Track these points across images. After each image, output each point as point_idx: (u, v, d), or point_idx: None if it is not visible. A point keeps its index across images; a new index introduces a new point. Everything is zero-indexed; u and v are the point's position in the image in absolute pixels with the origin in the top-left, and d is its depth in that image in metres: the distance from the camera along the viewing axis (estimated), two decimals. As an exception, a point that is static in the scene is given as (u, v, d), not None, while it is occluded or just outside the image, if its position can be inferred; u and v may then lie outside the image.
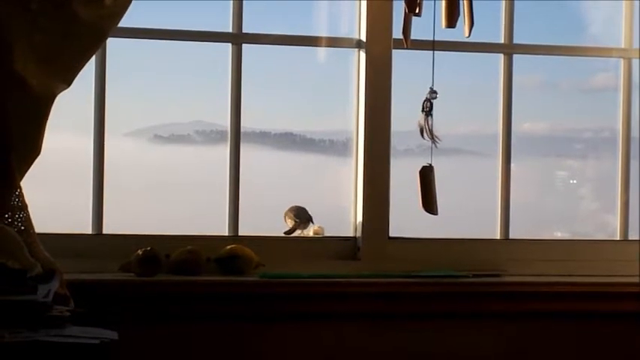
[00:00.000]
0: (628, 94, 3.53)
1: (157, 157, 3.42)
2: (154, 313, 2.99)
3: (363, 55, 3.31)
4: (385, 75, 3.29)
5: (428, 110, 3.06)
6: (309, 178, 3.54)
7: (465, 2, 2.99)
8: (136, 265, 3.04)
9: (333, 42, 3.37)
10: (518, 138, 3.46)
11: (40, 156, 2.76)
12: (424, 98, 3.07)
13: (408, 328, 3.17)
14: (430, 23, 3.08)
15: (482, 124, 3.61)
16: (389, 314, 3.16)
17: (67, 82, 2.80)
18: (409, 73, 3.38)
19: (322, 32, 3.38)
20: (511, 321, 3.22)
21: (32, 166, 2.77)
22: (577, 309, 3.23)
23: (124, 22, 2.88)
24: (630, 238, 3.52)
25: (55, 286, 2.53)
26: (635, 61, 3.53)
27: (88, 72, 2.98)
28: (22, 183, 2.75)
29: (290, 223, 3.34)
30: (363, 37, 3.30)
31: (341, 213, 3.35)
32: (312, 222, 3.36)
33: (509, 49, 3.43)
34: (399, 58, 3.30)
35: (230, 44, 3.26)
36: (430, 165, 3.08)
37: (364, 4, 3.29)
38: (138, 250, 3.04)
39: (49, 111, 2.76)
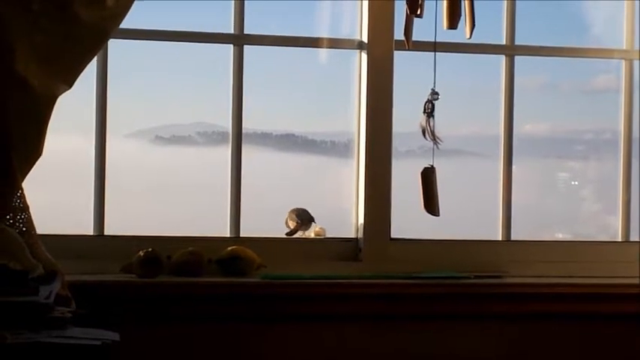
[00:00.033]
0: (629, 95, 3.53)
1: (159, 159, 3.42)
2: (155, 314, 2.99)
3: (364, 56, 3.31)
4: (387, 76, 3.29)
5: (429, 111, 3.06)
6: (310, 179, 3.54)
7: (467, 3, 2.99)
8: (138, 266, 3.04)
9: (335, 43, 3.37)
10: (519, 139, 3.46)
11: (41, 157, 2.76)
12: (426, 99, 3.07)
13: (409, 329, 3.17)
14: (431, 24, 3.08)
15: (484, 126, 3.61)
16: (390, 315, 3.16)
17: (69, 83, 2.80)
18: (411, 74, 3.38)
19: (324, 33, 3.38)
20: (512, 322, 3.22)
21: (33, 167, 2.77)
22: (578, 310, 3.23)
23: (126, 24, 2.88)
24: (631, 240, 3.52)
25: (56, 287, 2.53)
26: (636, 63, 3.53)
27: (89, 73, 2.98)
28: (24, 184, 2.75)
29: (291, 225, 3.34)
30: (365, 39, 3.30)
31: (342, 214, 3.35)
32: (314, 223, 3.36)
33: (510, 51, 3.43)
34: (401, 59, 3.30)
35: (231, 45, 3.26)
36: (432, 166, 3.08)
37: (366, 5, 3.29)
38: (139, 251, 3.04)
39: (51, 112, 2.76)
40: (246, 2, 3.25)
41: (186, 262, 3.10)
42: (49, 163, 2.81)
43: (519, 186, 3.44)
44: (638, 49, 3.53)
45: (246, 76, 3.25)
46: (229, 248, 3.14)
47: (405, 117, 3.34)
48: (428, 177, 3.06)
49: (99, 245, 3.13)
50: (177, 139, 3.51)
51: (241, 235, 3.25)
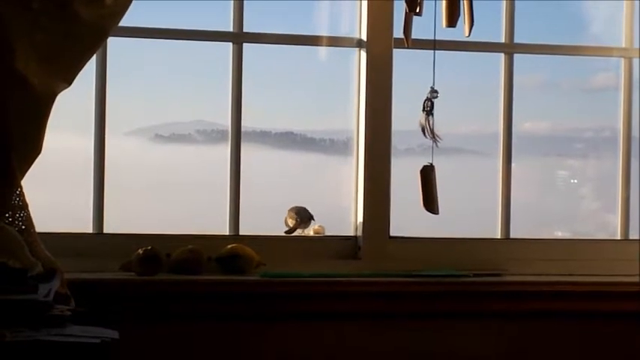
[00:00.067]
0: (629, 93, 3.53)
1: (158, 157, 3.42)
2: (154, 312, 2.99)
3: (363, 54, 3.31)
4: (386, 74, 3.29)
5: (429, 109, 3.06)
6: (309, 177, 3.54)
7: (465, 2, 2.99)
8: (137, 264, 3.04)
9: (334, 41, 3.37)
10: (519, 137, 3.46)
11: (40, 155, 2.76)
12: (425, 97, 3.07)
13: (408, 327, 3.17)
14: (431, 23, 3.08)
15: (483, 124, 3.61)
16: (390, 314, 3.16)
17: (68, 82, 2.80)
18: (410, 72, 3.38)
19: (323, 31, 3.38)
20: (512, 320, 3.22)
21: (33, 166, 2.77)
22: (578, 308, 3.23)
23: (125, 22, 2.88)
24: (631, 238, 3.52)
25: (55, 285, 2.53)
26: (635, 61, 3.53)
27: (88, 71, 2.98)
28: (23, 182, 2.75)
29: (291, 223, 3.34)
30: (364, 37, 3.30)
31: (342, 212, 3.35)
32: (313, 221, 3.37)
33: (509, 49, 3.43)
34: (400, 57, 3.30)
35: (231, 43, 3.26)
36: (431, 164, 3.08)
37: (365, 3, 3.29)
38: (138, 249, 3.04)
39: (50, 110, 2.76)
40: (245, 0, 3.25)
41: (185, 260, 3.10)
42: (48, 161, 2.81)
43: (519, 184, 3.44)
44: (637, 47, 3.53)
45: (245, 75, 3.25)
46: (229, 246, 3.14)
47: (405, 115, 3.34)
48: (427, 175, 3.06)
49: (98, 243, 3.13)
50: (176, 138, 3.51)
51: (240, 233, 3.25)
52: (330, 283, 3.13)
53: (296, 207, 3.35)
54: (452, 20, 2.99)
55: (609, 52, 3.57)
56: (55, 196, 3.16)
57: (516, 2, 3.41)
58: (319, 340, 3.14)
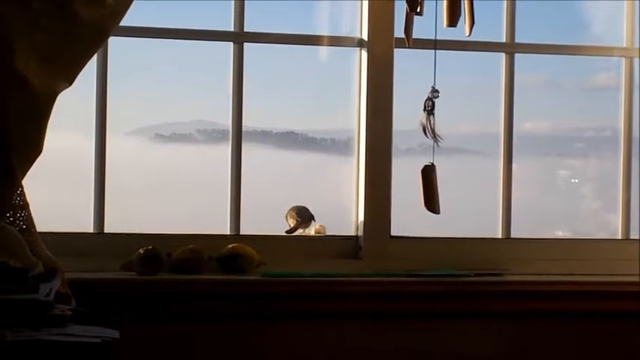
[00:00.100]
0: (629, 93, 3.53)
1: (159, 156, 3.42)
2: (155, 311, 2.99)
3: (364, 54, 3.31)
4: (387, 74, 3.29)
5: (430, 109, 3.06)
6: (310, 177, 3.54)
7: (466, 1, 2.99)
8: (138, 263, 3.04)
9: (335, 41, 3.37)
10: (519, 137, 3.46)
11: (41, 155, 2.76)
12: (426, 97, 3.07)
13: (409, 327, 3.17)
14: (432, 22, 3.08)
15: (484, 124, 3.61)
16: (390, 313, 3.16)
17: (69, 81, 2.80)
18: (411, 72, 3.38)
19: (324, 31, 3.38)
20: (513, 320, 3.22)
21: (33, 165, 2.77)
22: (578, 308, 3.23)
23: (126, 21, 2.88)
24: (632, 237, 3.52)
25: (56, 285, 2.53)
26: (636, 60, 3.53)
27: (89, 71, 2.98)
28: (24, 182, 2.75)
29: (292, 222, 3.34)
30: (365, 36, 3.30)
31: (342, 212, 3.35)
32: (314, 221, 3.37)
33: (510, 49, 3.43)
34: (401, 57, 3.30)
35: (232, 43, 3.26)
36: (432, 164, 3.08)
37: (366, 3, 3.29)
38: (139, 248, 3.05)
39: (51, 110, 2.76)
40: (246, 0, 3.25)
41: (186, 259, 3.10)
42: (49, 160, 2.81)
43: (519, 184, 3.44)
44: (638, 47, 3.53)
45: (246, 74, 3.25)
46: (229, 246, 3.14)
47: (406, 115, 3.34)
48: (428, 175, 3.06)
49: (99, 243, 3.13)
50: (177, 137, 3.51)
51: (241, 233, 3.25)
52: (330, 283, 3.13)
53: (297, 206, 3.35)
54: (453, 20, 2.99)
55: (610, 51, 3.57)
56: (55, 195, 3.16)
57: (517, 2, 3.41)
58: (320, 339, 3.14)
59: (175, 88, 3.36)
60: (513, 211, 3.43)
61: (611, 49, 3.57)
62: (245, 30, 3.26)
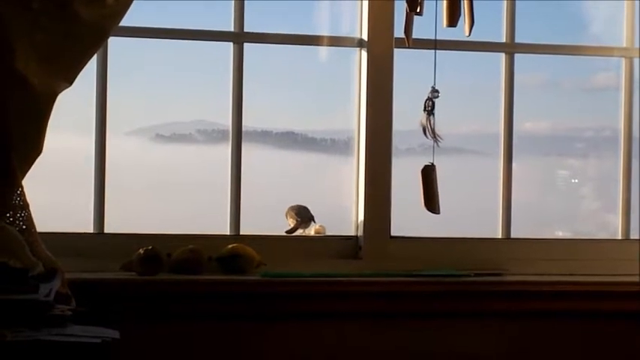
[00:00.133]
0: (629, 93, 3.53)
1: (159, 157, 3.42)
2: (155, 312, 2.99)
3: (364, 54, 3.31)
4: (387, 74, 3.29)
5: (430, 109, 3.06)
6: (310, 177, 3.54)
7: (466, 1, 2.99)
8: (138, 264, 3.04)
9: (335, 41, 3.37)
10: (519, 137, 3.46)
11: (41, 155, 2.76)
12: (426, 97, 3.07)
13: (409, 327, 3.17)
14: (431, 22, 3.08)
15: (484, 124, 3.61)
16: (390, 313, 3.16)
17: (69, 81, 2.80)
18: (411, 72, 3.38)
19: (324, 31, 3.38)
20: (513, 320, 3.22)
21: (33, 165, 2.77)
22: (579, 308, 3.23)
23: (126, 21, 2.88)
24: (632, 238, 3.52)
25: (56, 285, 2.53)
26: (636, 60, 3.53)
27: (89, 71, 2.98)
28: (24, 182, 2.75)
29: (291, 222, 3.34)
30: (365, 36, 3.30)
31: (342, 212, 3.35)
32: (314, 221, 3.37)
33: (510, 49, 3.43)
34: (401, 57, 3.30)
35: (232, 43, 3.26)
36: (432, 164, 3.08)
37: (366, 3, 3.29)
38: (139, 249, 3.04)
39: (51, 110, 2.76)
40: (246, 0, 3.25)
41: (186, 259, 3.10)
42: (49, 161, 2.81)
43: (519, 184, 3.44)
44: (637, 47, 3.53)
45: (246, 74, 3.25)
46: (229, 246, 3.14)
47: (406, 115, 3.34)
48: (428, 175, 3.06)
49: (99, 243, 3.13)
50: (177, 137, 3.51)
51: (241, 233, 3.25)
52: (330, 283, 3.13)
53: (297, 206, 3.35)
54: (452, 20, 2.99)
55: (610, 51, 3.57)
56: (55, 195, 3.16)
57: (517, 2, 3.41)
58: (320, 340, 3.14)
59: (175, 89, 3.36)
60: (513, 211, 3.43)
61: (611, 49, 3.57)
62: (245, 30, 3.26)
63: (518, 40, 3.43)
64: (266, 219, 3.38)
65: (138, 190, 3.29)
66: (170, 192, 3.35)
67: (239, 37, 3.25)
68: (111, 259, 3.06)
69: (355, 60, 3.34)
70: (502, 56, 3.43)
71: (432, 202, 3.05)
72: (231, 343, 3.08)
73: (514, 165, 3.43)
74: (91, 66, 2.99)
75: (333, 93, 3.46)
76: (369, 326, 3.16)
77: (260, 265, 3.14)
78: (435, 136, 3.07)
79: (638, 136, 3.53)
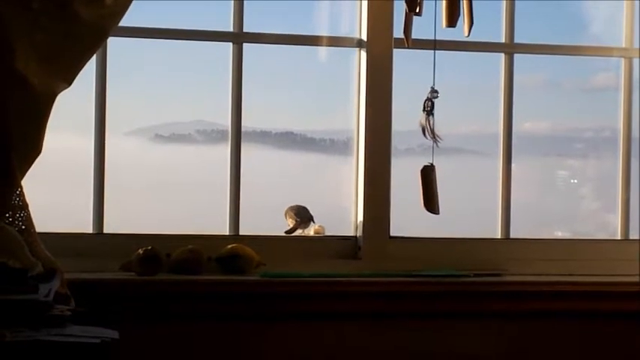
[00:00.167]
0: (629, 93, 3.53)
1: (158, 157, 3.42)
2: (154, 312, 2.99)
3: (363, 54, 3.31)
4: (386, 74, 3.29)
5: (429, 110, 3.06)
6: (309, 177, 3.54)
7: (465, 2, 2.99)
8: (137, 264, 3.04)
9: (334, 41, 3.37)
10: (519, 137, 3.46)
11: (40, 155, 2.76)
12: (425, 97, 3.07)
13: (409, 327, 3.17)
14: (431, 23, 3.08)
15: (484, 124, 3.61)
16: (390, 314, 3.16)
17: (68, 81, 2.80)
18: (410, 72, 3.38)
19: (323, 31, 3.38)
20: (512, 320, 3.22)
21: (33, 166, 2.76)
22: (578, 308, 3.23)
23: (125, 22, 2.88)
24: (631, 238, 3.52)
25: (55, 285, 2.53)
26: (635, 61, 3.53)
27: (88, 71, 2.98)
28: (23, 182, 2.75)
29: (291, 223, 3.34)
30: (364, 37, 3.30)
31: (342, 212, 3.35)
32: (313, 221, 3.37)
33: (510, 49, 3.43)
34: (400, 57, 3.30)
35: (231, 43, 3.26)
36: (431, 164, 3.08)
37: (365, 3, 3.29)
38: (138, 249, 3.04)
39: (50, 110, 2.76)
40: (245, 0, 3.25)
41: (185, 260, 3.10)
42: (48, 161, 2.81)
43: (519, 184, 3.44)
44: (637, 47, 3.53)
45: (245, 75, 3.25)
46: (229, 246, 3.14)
47: (405, 115, 3.34)
48: (427, 175, 3.06)
49: (98, 243, 3.13)
50: (176, 138, 3.51)
51: (240, 233, 3.25)
52: (330, 283, 3.13)
53: (296, 206, 3.35)
54: (452, 20, 2.99)
55: (609, 52, 3.57)
56: (55, 196, 3.16)
57: (516, 2, 3.41)
58: (319, 340, 3.14)
59: (175, 89, 3.36)
60: (513, 211, 3.43)
61: (611, 49, 3.57)
62: (244, 30, 3.26)
63: (517, 40, 3.43)
64: (265, 219, 3.38)
65: (137, 190, 3.29)
66: (169, 192, 3.35)
67: (238, 38, 3.25)
68: (110, 259, 3.06)
69: (354, 60, 3.34)
70: (501, 56, 3.43)
71: (431, 203, 3.05)
72: (231, 343, 3.08)
73: (513, 165, 3.43)
74: (91, 66, 2.99)
75: (332, 93, 3.46)
76: (368, 326, 3.16)
77: (259, 266, 3.14)
78: (434, 136, 3.07)
79: (637, 136, 3.53)
